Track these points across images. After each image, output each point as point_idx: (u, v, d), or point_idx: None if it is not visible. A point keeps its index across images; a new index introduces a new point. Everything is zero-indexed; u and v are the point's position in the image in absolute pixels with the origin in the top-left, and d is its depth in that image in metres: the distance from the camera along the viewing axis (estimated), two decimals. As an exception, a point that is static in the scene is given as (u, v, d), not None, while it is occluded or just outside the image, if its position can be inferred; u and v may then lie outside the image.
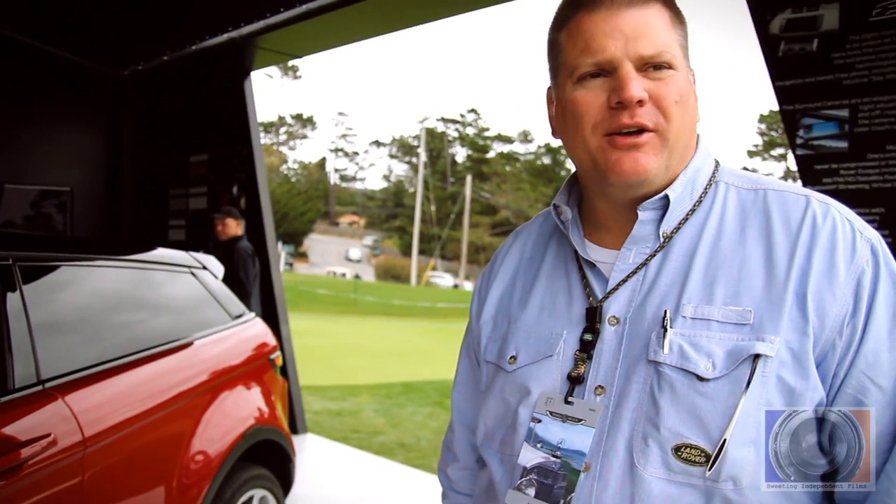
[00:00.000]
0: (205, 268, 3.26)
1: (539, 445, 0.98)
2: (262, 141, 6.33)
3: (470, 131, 67.43)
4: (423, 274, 49.73)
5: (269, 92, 78.92)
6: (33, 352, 2.13)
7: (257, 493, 3.12)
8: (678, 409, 0.89)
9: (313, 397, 8.06)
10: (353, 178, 76.97)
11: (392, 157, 74.39)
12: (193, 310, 3.06)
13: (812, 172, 2.76)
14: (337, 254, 62.46)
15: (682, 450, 0.88)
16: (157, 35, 5.96)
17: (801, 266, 0.90)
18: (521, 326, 1.07)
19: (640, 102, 0.92)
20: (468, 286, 45.64)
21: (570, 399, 0.97)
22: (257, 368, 3.28)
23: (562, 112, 1.01)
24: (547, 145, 62.74)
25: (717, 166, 1.05)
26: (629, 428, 0.92)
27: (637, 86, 0.91)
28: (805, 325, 0.88)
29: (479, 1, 4.52)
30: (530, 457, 0.98)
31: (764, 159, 52.80)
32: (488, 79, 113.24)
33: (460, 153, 68.13)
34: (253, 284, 5.61)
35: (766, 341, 0.87)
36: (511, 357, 1.06)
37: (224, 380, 2.97)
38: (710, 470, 0.86)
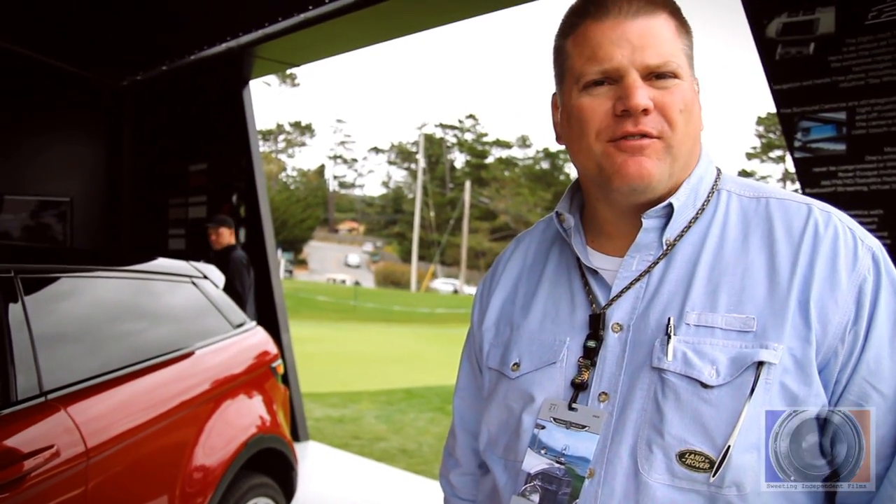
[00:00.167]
0: (205, 277, 3.27)
1: (543, 452, 0.98)
2: (261, 149, 6.31)
3: (468, 137, 67.51)
4: (423, 280, 49.71)
5: (268, 100, 79.13)
6: (35, 363, 2.13)
7: (260, 502, 3.12)
8: (682, 416, 0.89)
9: (314, 404, 8.05)
10: (352, 185, 77.13)
11: (391, 163, 74.50)
12: (194, 319, 3.06)
13: (810, 175, 2.77)
14: (336, 260, 62.47)
15: (687, 456, 0.88)
16: (156, 45, 5.98)
17: (803, 274, 0.91)
18: (523, 333, 1.08)
19: (646, 111, 0.93)
20: (468, 291, 45.63)
21: (573, 406, 0.97)
22: (259, 377, 3.28)
23: (567, 118, 1.02)
24: (545, 150, 62.81)
25: (718, 174, 1.06)
26: (633, 434, 0.92)
27: (642, 94, 0.92)
28: (808, 333, 0.89)
29: (477, 8, 4.55)
30: (534, 463, 0.99)
31: (762, 161, 52.93)
32: (486, 84, 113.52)
33: (459, 159, 68.23)
34: (248, 294, 5.59)
35: (770, 349, 0.88)
36: (514, 364, 1.06)
37: (226, 389, 2.97)
38: (714, 476, 0.87)
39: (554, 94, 1.08)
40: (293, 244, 52.41)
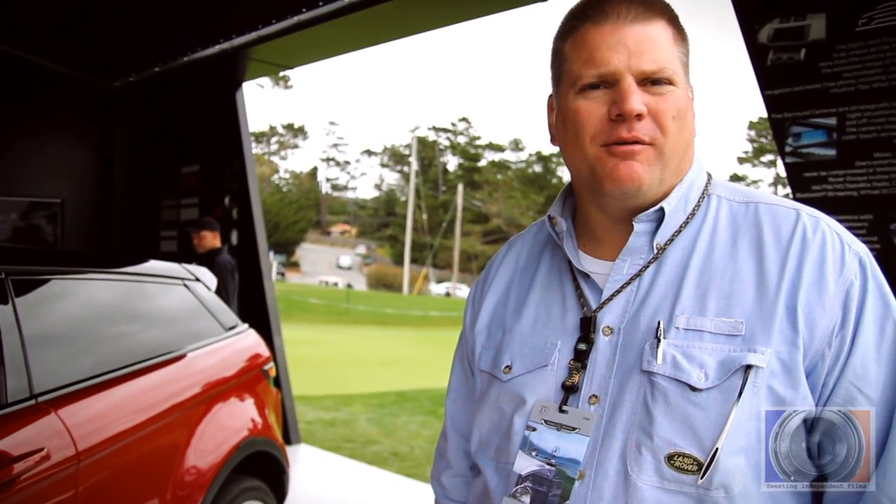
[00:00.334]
0: (197, 279, 3.26)
1: (534, 453, 0.99)
2: (254, 151, 6.31)
3: (461, 140, 67.61)
4: (415, 283, 49.68)
5: (260, 102, 79.04)
6: (26, 366, 2.12)
7: (252, 505, 3.11)
8: (671, 419, 0.90)
9: (306, 407, 8.03)
10: (345, 188, 77.02)
11: (383, 165, 74.51)
12: (186, 321, 3.06)
13: (801, 180, 2.78)
14: (329, 263, 62.36)
15: (675, 458, 0.90)
16: (149, 46, 5.96)
17: (791, 279, 0.92)
18: (515, 336, 1.09)
19: (639, 116, 0.94)
20: (460, 294, 45.63)
21: (564, 408, 0.98)
22: (251, 379, 3.28)
23: (562, 120, 1.03)
24: (538, 153, 62.96)
25: (709, 179, 1.07)
26: (623, 437, 0.93)
27: (637, 99, 0.93)
28: (795, 337, 0.90)
29: (470, 12, 4.56)
30: (525, 465, 0.99)
31: (754, 166, 53.17)
32: (479, 88, 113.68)
33: (452, 162, 68.29)
34: (232, 299, 5.54)
35: (758, 352, 0.89)
36: (506, 366, 1.07)
37: (217, 391, 2.96)
38: (702, 478, 0.88)
39: (550, 96, 1.09)
40: (285, 246, 52.26)
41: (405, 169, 67.27)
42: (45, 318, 2.38)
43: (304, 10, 4.65)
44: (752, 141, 52.96)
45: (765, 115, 2.94)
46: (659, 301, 0.97)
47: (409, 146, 64.62)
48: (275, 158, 67.56)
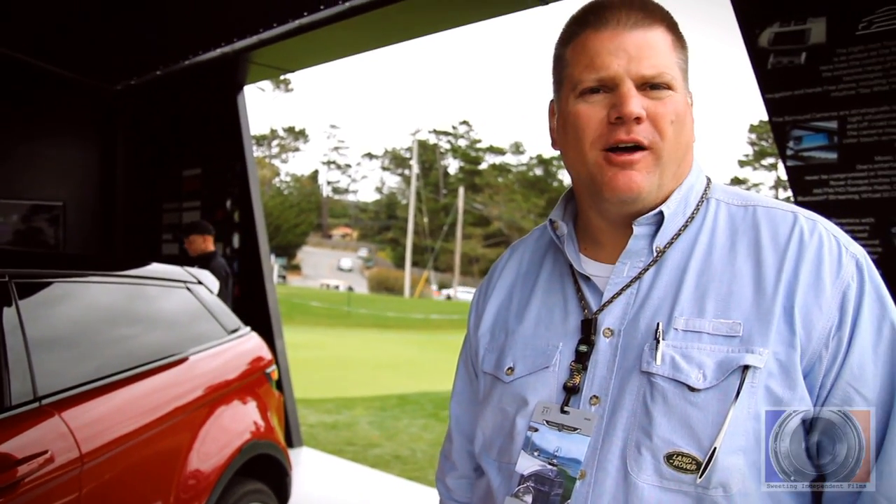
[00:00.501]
0: (200, 282, 3.27)
1: (536, 454, 1.01)
2: (255, 154, 6.32)
3: (462, 143, 67.62)
4: (416, 286, 49.67)
5: (261, 105, 79.05)
6: (30, 368, 2.13)
7: (254, 508, 3.11)
8: (670, 419, 0.92)
9: (308, 410, 8.04)
10: (346, 191, 77.06)
11: (384, 169, 74.50)
12: (189, 324, 3.06)
13: (802, 183, 2.79)
14: (330, 266, 62.37)
15: (674, 458, 0.91)
16: (150, 50, 5.98)
17: (788, 280, 0.94)
18: (518, 339, 1.10)
19: (638, 119, 0.95)
20: (461, 297, 45.61)
21: (566, 409, 1.00)
22: (253, 382, 3.28)
23: (563, 124, 1.04)
24: (539, 156, 62.95)
25: (708, 183, 1.09)
26: (623, 437, 0.95)
27: (636, 103, 0.95)
28: (792, 338, 0.91)
29: (471, 16, 4.57)
30: (527, 465, 1.01)
31: (755, 169, 53.14)
32: (480, 91, 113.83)
33: (452, 165, 68.33)
34: (226, 305, 5.49)
35: (755, 353, 0.91)
36: (508, 368, 1.08)
37: (220, 394, 2.97)
38: (700, 477, 0.89)
39: (552, 101, 1.11)
40: (287, 249, 52.28)
41: (406, 172, 67.32)
42: (49, 320, 2.39)
43: (305, 13, 4.66)
44: (752, 144, 52.95)
45: (765, 118, 2.94)
46: (658, 303, 0.99)
47: (409, 149, 64.72)
48: (276, 161, 67.61)
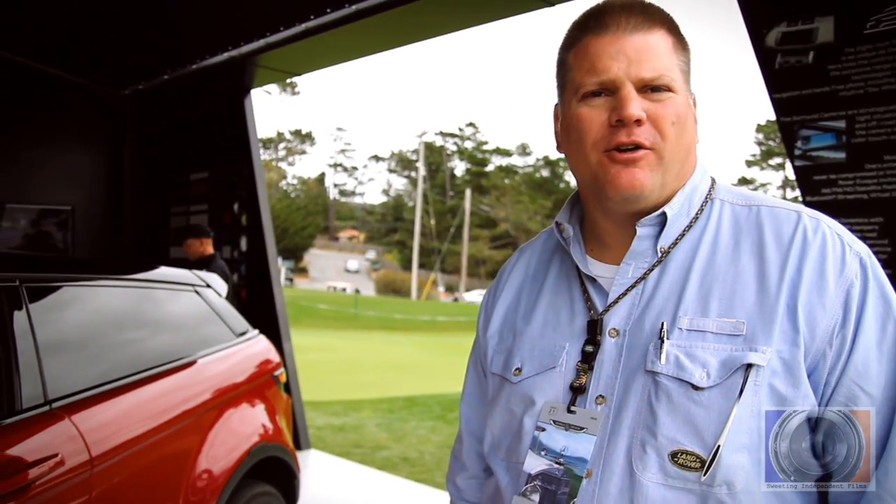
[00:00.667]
0: (208, 286, 3.28)
1: (543, 453, 1.02)
2: (262, 157, 6.33)
3: (468, 145, 67.63)
4: (423, 288, 49.68)
5: (268, 108, 79.30)
6: (40, 372, 2.14)
7: (263, 511, 3.12)
8: (674, 417, 0.93)
9: (315, 413, 8.05)
10: (353, 193, 77.21)
11: (391, 171, 74.63)
12: (197, 327, 3.07)
13: (811, 183, 2.78)
14: (337, 268, 62.45)
15: (679, 456, 0.92)
16: (158, 54, 6.00)
17: (791, 279, 0.94)
18: (525, 340, 1.11)
19: (639, 122, 0.97)
20: (468, 298, 45.60)
21: (572, 408, 1.01)
22: (261, 385, 3.29)
23: (566, 128, 1.06)
24: (545, 158, 62.90)
25: (713, 184, 1.09)
26: (628, 435, 0.96)
27: (636, 106, 0.96)
28: (796, 336, 0.92)
29: (477, 18, 4.57)
30: (535, 464, 1.02)
31: (762, 169, 52.99)
32: (486, 92, 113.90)
33: (459, 167, 68.34)
34: None
35: (759, 351, 0.91)
36: (516, 369, 1.10)
37: (229, 397, 2.98)
38: (705, 475, 0.90)
39: (556, 105, 1.12)
40: (294, 252, 52.41)
41: (413, 174, 67.35)
42: (59, 324, 2.40)
43: (311, 17, 4.68)
44: (759, 144, 52.79)
45: (773, 118, 2.93)
46: (663, 303, 1.00)
47: (416, 151, 64.74)
48: (283, 164, 67.78)
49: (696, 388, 0.92)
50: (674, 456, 0.92)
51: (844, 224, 1.01)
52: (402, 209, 68.20)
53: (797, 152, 2.81)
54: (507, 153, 66.19)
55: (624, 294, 1.03)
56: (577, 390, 1.01)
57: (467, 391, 1.27)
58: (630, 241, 1.03)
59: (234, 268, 6.20)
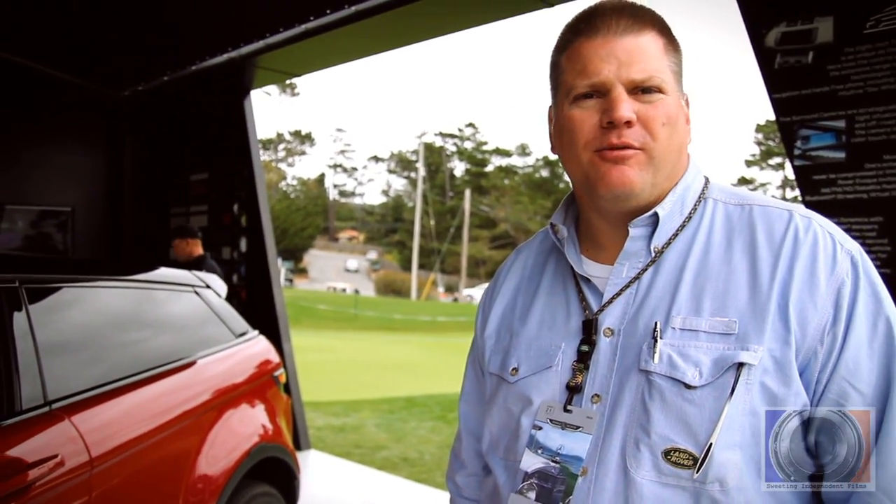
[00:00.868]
0: (208, 286, 3.28)
1: (540, 451, 1.03)
2: (261, 158, 6.33)
3: (468, 145, 67.62)
4: (423, 288, 49.69)
5: (268, 109, 79.30)
6: (40, 373, 2.14)
7: (263, 511, 3.11)
8: (667, 416, 0.94)
9: (315, 413, 8.04)
10: (352, 194, 77.19)
11: (391, 171, 74.59)
12: (197, 328, 3.07)
13: (810, 182, 2.78)
14: (337, 269, 62.43)
15: (672, 453, 0.93)
16: (158, 56, 6.01)
17: (783, 278, 0.95)
18: (522, 340, 1.13)
19: (629, 123, 0.98)
20: (466, 293, 45.58)
21: (569, 407, 1.02)
22: (261, 386, 3.29)
23: (559, 129, 1.08)
24: (545, 158, 62.92)
25: (706, 183, 1.10)
26: (623, 434, 0.97)
27: (626, 107, 0.98)
28: (787, 335, 0.92)
29: (476, 18, 4.57)
30: (531, 462, 1.04)
31: (762, 168, 52.99)
32: (486, 93, 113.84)
33: (459, 167, 68.32)
34: None
35: (750, 350, 0.92)
36: (513, 369, 1.11)
37: (228, 398, 2.98)
38: (697, 472, 0.91)
39: (550, 107, 1.14)
40: (293, 253, 52.41)
41: (412, 175, 67.34)
42: (58, 325, 2.40)
43: (311, 18, 4.68)
44: (759, 144, 52.79)
45: (772, 118, 2.94)
46: (657, 302, 1.01)
47: (416, 152, 64.74)
48: (282, 165, 67.76)
49: (688, 386, 0.93)
50: (667, 454, 0.93)
51: (844, 223, 1.01)
52: (401, 210, 68.19)
53: (797, 152, 2.81)
54: (506, 153, 66.19)
55: (618, 294, 1.04)
56: (573, 389, 1.02)
57: (466, 390, 1.29)
58: (624, 241, 1.05)
59: (234, 268, 6.21)
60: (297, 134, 68.19)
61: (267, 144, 64.65)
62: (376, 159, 75.78)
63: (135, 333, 2.74)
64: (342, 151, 74.79)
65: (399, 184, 73.92)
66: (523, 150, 65.92)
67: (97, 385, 2.34)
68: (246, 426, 3.06)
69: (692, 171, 1.08)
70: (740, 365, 0.92)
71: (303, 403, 6.07)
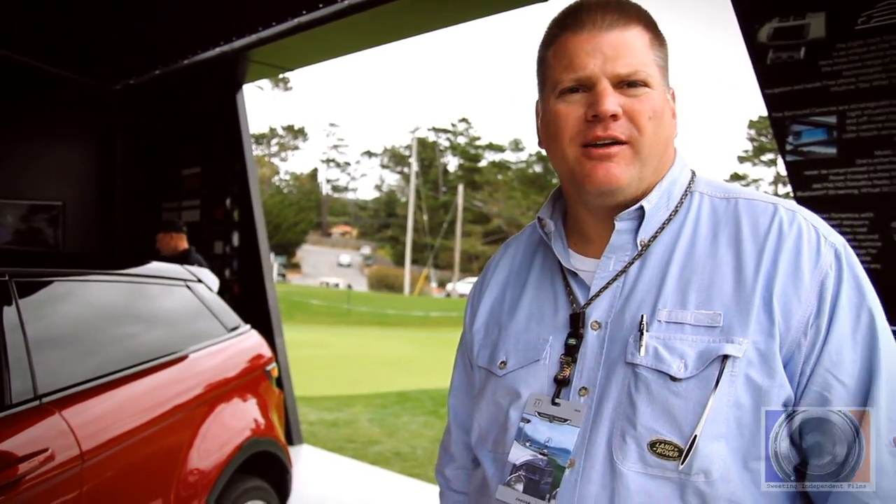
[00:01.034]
0: (199, 280, 3.27)
1: (528, 444, 1.04)
2: (254, 152, 6.33)
3: (461, 140, 67.60)
4: (416, 283, 49.68)
5: (261, 103, 79.03)
6: (30, 367, 2.13)
7: (255, 505, 3.11)
8: (653, 408, 0.95)
9: (308, 408, 8.04)
10: (345, 189, 77.06)
11: (384, 166, 74.52)
12: (189, 322, 3.07)
13: (802, 178, 2.79)
14: (329, 264, 62.36)
15: (657, 445, 0.94)
16: (149, 49, 5.97)
17: (767, 271, 0.96)
18: (510, 333, 1.14)
19: (615, 116, 0.99)
20: (460, 290, 45.61)
21: (556, 400, 1.03)
22: (253, 380, 3.29)
23: (545, 123, 1.08)
24: (538, 154, 62.84)
25: (693, 177, 1.11)
26: (609, 426, 0.98)
27: (612, 101, 0.98)
28: (771, 327, 0.93)
29: (471, 13, 4.56)
30: (519, 455, 1.04)
31: (754, 164, 53.16)
32: (479, 88, 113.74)
33: (452, 162, 68.30)
34: None
35: (735, 343, 0.93)
36: (501, 362, 1.12)
37: (220, 392, 2.97)
38: (682, 464, 0.92)
39: (537, 102, 1.14)
40: (286, 248, 52.30)
41: (405, 170, 67.28)
42: (49, 319, 2.39)
43: (303, 12, 4.66)
44: (752, 140, 52.95)
45: (765, 113, 2.94)
46: (643, 295, 1.02)
47: (409, 147, 64.69)
48: (275, 160, 67.61)
49: (673, 379, 0.94)
50: (652, 445, 0.94)
51: (835, 219, 1.02)
52: (394, 205, 68.14)
53: (788, 148, 2.82)
54: (499, 149, 66.19)
55: (605, 287, 1.05)
56: (561, 383, 1.03)
57: (455, 384, 1.30)
58: (610, 234, 1.05)
59: (227, 263, 6.19)
60: (289, 128, 68.00)
61: (259, 139, 64.48)
62: (369, 154, 75.73)
63: (126, 328, 2.73)
64: (335, 146, 74.69)
65: (392, 179, 73.98)
66: (517, 146, 65.95)
67: (88, 379, 2.34)
68: (238, 420, 3.06)
69: (678, 164, 1.09)
70: (725, 357, 0.93)
71: (295, 398, 6.07)
